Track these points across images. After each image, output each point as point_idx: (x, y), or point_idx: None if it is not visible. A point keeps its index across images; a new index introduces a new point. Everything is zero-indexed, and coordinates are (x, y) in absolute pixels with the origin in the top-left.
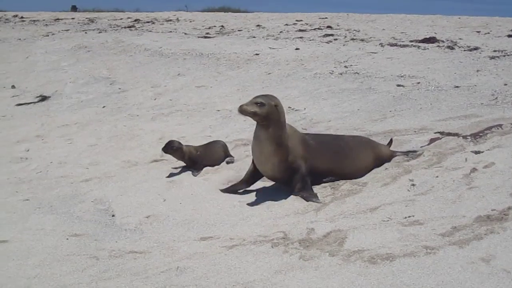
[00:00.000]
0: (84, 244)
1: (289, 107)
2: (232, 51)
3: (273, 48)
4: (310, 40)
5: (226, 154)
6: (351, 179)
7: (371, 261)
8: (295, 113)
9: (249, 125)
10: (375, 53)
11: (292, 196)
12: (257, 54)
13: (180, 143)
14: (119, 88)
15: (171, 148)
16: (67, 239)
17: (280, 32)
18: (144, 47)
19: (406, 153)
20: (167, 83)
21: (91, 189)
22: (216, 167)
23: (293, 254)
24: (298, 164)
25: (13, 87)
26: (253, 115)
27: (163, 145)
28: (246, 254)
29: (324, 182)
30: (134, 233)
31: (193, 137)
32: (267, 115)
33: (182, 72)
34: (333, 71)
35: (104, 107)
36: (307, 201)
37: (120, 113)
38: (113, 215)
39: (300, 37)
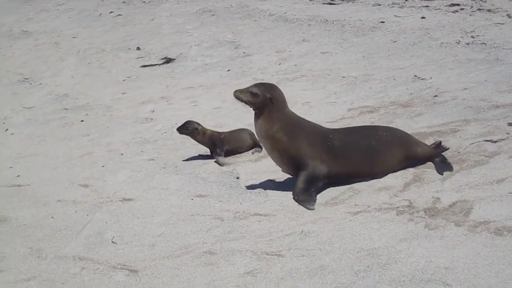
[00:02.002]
0: (209, 205)
1: (414, 76)
2: (357, 18)
3: (399, 16)
4: (436, 9)
5: (255, 142)
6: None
7: (497, 233)
8: (421, 82)
9: (375, 92)
10: (502, 24)
11: (417, 165)
12: (382, 22)
13: (198, 123)
14: (244, 52)
15: (186, 128)
16: (192, 199)
17: (406, 0)
18: (268, 12)
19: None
20: (291, 48)
21: None
22: None
23: (418, 223)
24: (306, 163)
25: (138, 48)
26: (245, 103)
27: (179, 125)
28: (370, 221)
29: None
30: (259, 195)
31: (318, 103)
32: (260, 106)
33: (307, 38)
34: (459, 41)
35: (228, 70)
36: (300, 204)
37: (244, 77)
38: (237, 178)
39: (426, 6)
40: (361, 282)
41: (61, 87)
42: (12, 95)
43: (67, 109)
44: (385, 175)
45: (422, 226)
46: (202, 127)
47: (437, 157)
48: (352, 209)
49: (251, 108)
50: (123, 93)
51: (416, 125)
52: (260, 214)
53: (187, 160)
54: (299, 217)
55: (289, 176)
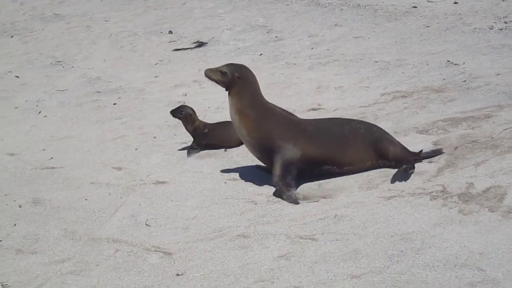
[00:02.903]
0: (242, 189)
1: (447, 61)
2: (389, 3)
3: (431, 1)
4: None
5: None
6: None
7: None
8: (454, 67)
9: (408, 77)
10: None
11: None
12: (415, 7)
13: (193, 110)
14: (276, 37)
15: (179, 112)
16: (225, 183)
17: None
18: None
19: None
20: (324, 33)
21: None
22: None
23: (452, 208)
24: (277, 144)
25: (170, 32)
26: (215, 82)
27: (174, 108)
28: (404, 206)
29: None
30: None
31: (351, 87)
32: (229, 84)
33: (339, 22)
34: (492, 26)
35: (261, 54)
36: (278, 197)
37: (277, 61)
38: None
39: None
40: (395, 267)
41: (94, 70)
42: (44, 78)
43: (99, 92)
44: (356, 169)
45: (455, 211)
46: (195, 116)
47: (407, 163)
48: (385, 193)
49: (222, 87)
50: (156, 77)
51: (449, 110)
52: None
53: None
54: (333, 201)
55: None
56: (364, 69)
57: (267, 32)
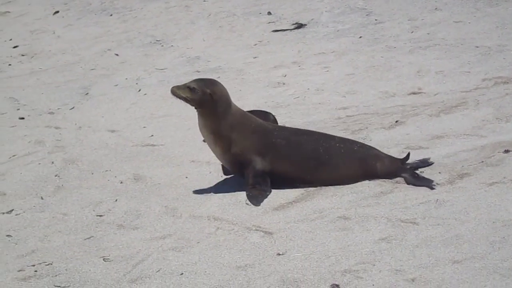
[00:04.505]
0: None
1: None
2: None
3: None
4: None
5: None
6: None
7: None
8: None
9: (510, 63)
10: None
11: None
12: None
13: None
14: (376, 20)
15: None
16: None
17: None
18: None
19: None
20: (424, 16)
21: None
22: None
23: None
24: (248, 158)
25: (269, 13)
26: (184, 100)
27: None
28: (506, 192)
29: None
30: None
31: (452, 72)
32: (200, 102)
33: (439, 6)
34: None
35: (360, 37)
36: (248, 200)
37: (376, 44)
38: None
39: None
40: (496, 253)
41: (193, 49)
42: (144, 56)
43: (199, 72)
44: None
45: None
46: None
47: (404, 172)
48: (486, 180)
49: (192, 107)
50: (255, 57)
51: None
52: (397, 182)
53: (321, 125)
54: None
55: (425, 145)
56: (465, 54)
57: (367, 15)
